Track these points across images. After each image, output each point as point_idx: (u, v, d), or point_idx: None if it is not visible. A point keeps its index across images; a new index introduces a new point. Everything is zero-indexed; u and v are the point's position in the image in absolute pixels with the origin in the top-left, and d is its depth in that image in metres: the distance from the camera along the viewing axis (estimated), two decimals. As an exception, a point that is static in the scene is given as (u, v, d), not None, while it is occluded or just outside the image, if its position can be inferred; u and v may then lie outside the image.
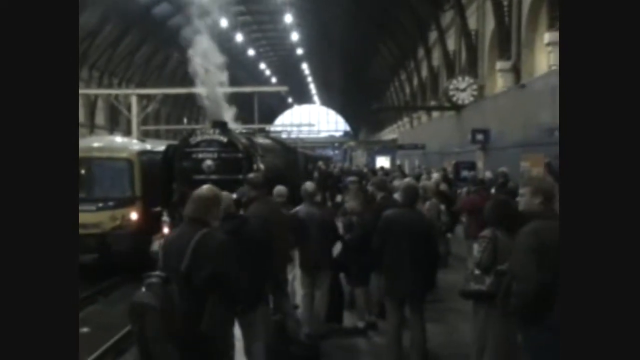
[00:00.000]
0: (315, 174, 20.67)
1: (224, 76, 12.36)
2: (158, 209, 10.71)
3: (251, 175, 7.38)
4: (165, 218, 10.38)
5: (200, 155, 10.37)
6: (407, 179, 9.77)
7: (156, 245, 9.75)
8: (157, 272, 3.96)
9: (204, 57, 11.49)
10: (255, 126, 34.81)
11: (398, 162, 35.97)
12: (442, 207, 9.91)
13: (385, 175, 18.32)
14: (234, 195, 6.88)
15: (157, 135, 45.94)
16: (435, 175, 14.18)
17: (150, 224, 11.20)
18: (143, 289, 3.87)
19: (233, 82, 14.69)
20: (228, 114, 12.53)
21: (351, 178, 11.16)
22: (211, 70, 11.64)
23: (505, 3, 22.93)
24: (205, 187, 4.45)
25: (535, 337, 4.07)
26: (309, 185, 7.94)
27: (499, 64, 23.31)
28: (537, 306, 3.94)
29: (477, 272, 5.26)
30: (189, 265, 3.89)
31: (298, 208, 7.68)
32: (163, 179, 10.72)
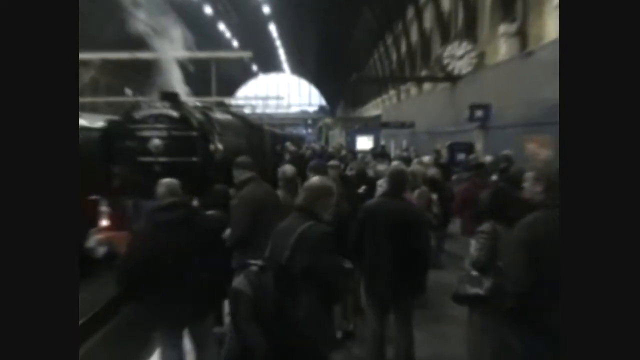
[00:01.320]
0: (287, 157, 20.60)
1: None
2: (95, 197, 10.61)
3: (240, 158, 7.42)
4: (104, 208, 10.29)
5: (147, 133, 10.26)
6: (394, 163, 9.79)
7: (93, 241, 9.66)
8: (256, 261, 4.53)
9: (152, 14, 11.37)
10: (213, 99, 34.57)
11: (383, 142, 36.05)
12: (434, 196, 9.96)
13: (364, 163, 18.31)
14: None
15: (94, 109, 45.39)
16: (426, 159, 14.23)
17: (84, 216, 11.09)
18: (241, 276, 4.50)
19: (186, 46, 14.51)
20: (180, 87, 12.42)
21: (332, 162, 11.15)
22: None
23: (510, -45, 23.03)
24: (316, 178, 5.06)
25: (530, 342, 4.14)
26: (288, 169, 7.94)
27: (503, 28, 23.41)
28: (530, 307, 4.00)
29: (473, 273, 5.30)
30: (289, 257, 4.39)
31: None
32: (101, 161, 10.61)
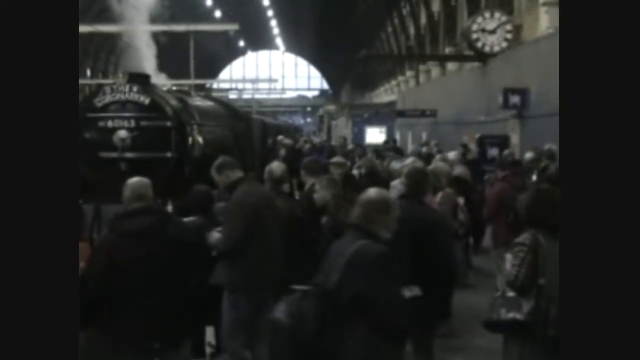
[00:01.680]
0: (282, 152, 20.59)
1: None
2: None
3: (223, 159, 7.39)
4: (58, 214, 10.28)
5: (110, 124, 10.26)
6: (409, 160, 9.75)
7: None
8: (300, 286, 4.73)
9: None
10: (191, 81, 34.60)
11: (398, 135, 36.05)
12: (461, 200, 9.94)
13: (379, 155, 18.29)
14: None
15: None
16: (452, 155, 14.22)
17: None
18: (282, 303, 4.66)
19: (159, 18, 14.49)
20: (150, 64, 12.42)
21: (336, 159, 11.10)
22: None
23: None
24: (374, 190, 5.21)
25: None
26: (276, 167, 7.93)
27: (544, -5, 23.40)
28: None
29: (510, 293, 5.28)
30: (339, 281, 4.45)
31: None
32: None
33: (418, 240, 6.29)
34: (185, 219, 7.03)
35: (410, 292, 4.89)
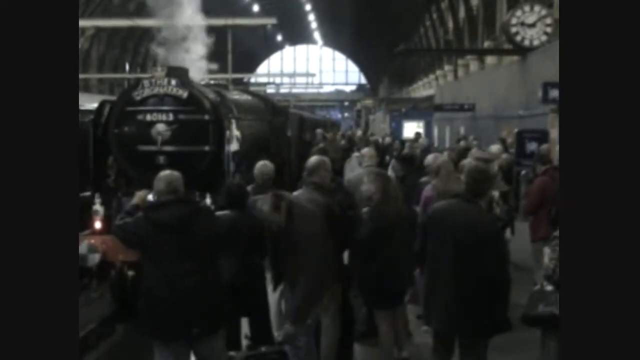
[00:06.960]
0: (320, 145, 20.65)
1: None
2: (86, 193, 10.67)
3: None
4: (97, 208, 10.34)
5: (149, 117, 10.29)
6: (441, 156, 9.70)
7: (83, 247, 9.70)
8: None
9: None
10: (229, 75, 34.72)
11: (436, 130, 35.88)
12: (496, 194, 9.88)
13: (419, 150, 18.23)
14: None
15: (85, 87, 45.83)
16: (495, 148, 14.16)
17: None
18: None
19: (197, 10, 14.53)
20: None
21: (364, 150, 11.13)
22: None
23: None
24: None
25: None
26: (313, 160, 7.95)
27: (584, -12, 23.16)
28: None
29: (548, 287, 5.26)
30: None
31: (297, 193, 7.64)
32: (94, 151, 10.69)
33: (471, 243, 5.94)
34: (219, 213, 7.08)
35: None
